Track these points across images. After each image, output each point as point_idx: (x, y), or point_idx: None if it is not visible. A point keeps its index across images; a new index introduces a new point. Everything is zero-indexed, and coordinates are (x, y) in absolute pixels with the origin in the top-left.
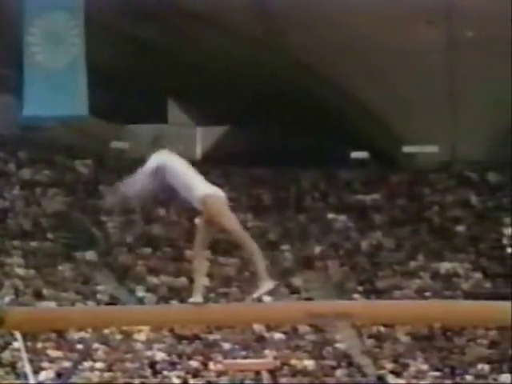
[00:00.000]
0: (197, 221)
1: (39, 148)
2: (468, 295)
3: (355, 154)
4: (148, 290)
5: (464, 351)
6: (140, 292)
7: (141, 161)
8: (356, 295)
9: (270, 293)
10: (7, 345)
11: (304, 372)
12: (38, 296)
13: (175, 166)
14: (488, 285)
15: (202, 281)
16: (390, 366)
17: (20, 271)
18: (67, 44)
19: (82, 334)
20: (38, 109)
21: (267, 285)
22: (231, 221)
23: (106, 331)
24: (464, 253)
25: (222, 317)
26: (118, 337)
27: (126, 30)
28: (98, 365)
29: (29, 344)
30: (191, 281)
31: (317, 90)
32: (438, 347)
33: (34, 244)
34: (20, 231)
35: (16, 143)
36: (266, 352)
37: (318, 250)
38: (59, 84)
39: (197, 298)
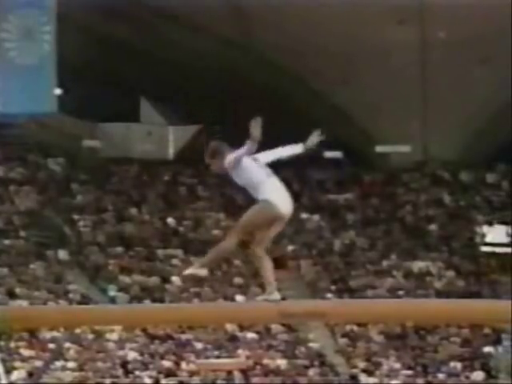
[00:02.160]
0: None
1: (12, 146)
2: (441, 294)
3: (328, 154)
4: (120, 289)
5: (436, 349)
6: (112, 291)
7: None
8: (329, 294)
9: (243, 292)
10: None
11: (276, 371)
12: (11, 295)
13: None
14: (461, 283)
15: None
16: (362, 364)
17: None
18: (39, 41)
19: (54, 334)
20: (10, 106)
21: (202, 271)
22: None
23: (78, 330)
24: (437, 252)
25: (195, 316)
26: (90, 336)
27: (99, 28)
28: (70, 364)
29: (1, 343)
30: (163, 280)
31: (289, 89)
32: (410, 346)
33: (7, 242)
34: None
35: None
36: (239, 352)
37: (290, 249)
38: (30, 81)
39: (274, 295)
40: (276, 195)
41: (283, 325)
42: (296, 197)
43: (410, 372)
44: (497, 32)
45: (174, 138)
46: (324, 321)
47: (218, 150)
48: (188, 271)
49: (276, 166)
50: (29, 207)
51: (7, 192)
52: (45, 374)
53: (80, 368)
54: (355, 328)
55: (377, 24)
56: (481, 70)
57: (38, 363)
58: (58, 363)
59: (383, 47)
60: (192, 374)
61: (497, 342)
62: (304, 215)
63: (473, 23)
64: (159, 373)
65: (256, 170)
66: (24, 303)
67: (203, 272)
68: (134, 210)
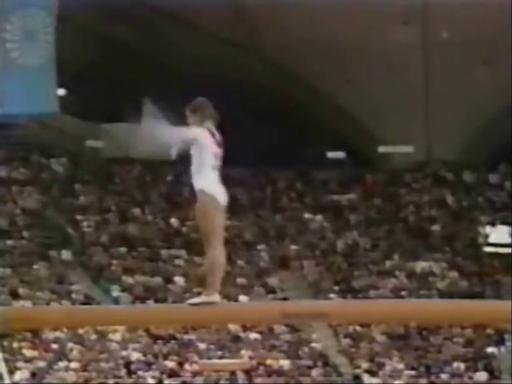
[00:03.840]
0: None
1: (14, 146)
2: (443, 294)
3: (331, 154)
4: (123, 289)
5: (440, 350)
6: (115, 292)
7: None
8: (332, 295)
9: (246, 292)
10: None
11: (280, 372)
12: (14, 295)
13: (206, 147)
14: (463, 283)
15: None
16: (365, 365)
17: None
18: (42, 41)
19: (58, 334)
20: (13, 106)
21: (211, 298)
22: (204, 225)
23: (81, 331)
24: (439, 252)
25: (198, 317)
26: (93, 337)
27: (102, 28)
28: (73, 365)
29: (4, 344)
30: (166, 280)
31: (293, 90)
32: (413, 346)
33: (9, 242)
34: None
35: None
36: (242, 352)
37: (293, 249)
38: (32, 81)
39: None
40: (210, 185)
41: (286, 325)
42: (299, 197)
43: (413, 372)
44: (500, 33)
45: None
46: (327, 321)
47: (202, 108)
48: (196, 300)
49: (279, 167)
50: (31, 208)
51: (10, 192)
52: (48, 374)
53: (83, 368)
54: (358, 328)
55: (380, 24)
56: (484, 70)
57: (41, 364)
58: (61, 363)
59: (386, 48)
60: (195, 374)
61: (500, 342)
62: (307, 215)
63: (476, 24)
64: (162, 373)
65: (209, 155)
66: (27, 304)
67: (216, 298)
68: (137, 211)
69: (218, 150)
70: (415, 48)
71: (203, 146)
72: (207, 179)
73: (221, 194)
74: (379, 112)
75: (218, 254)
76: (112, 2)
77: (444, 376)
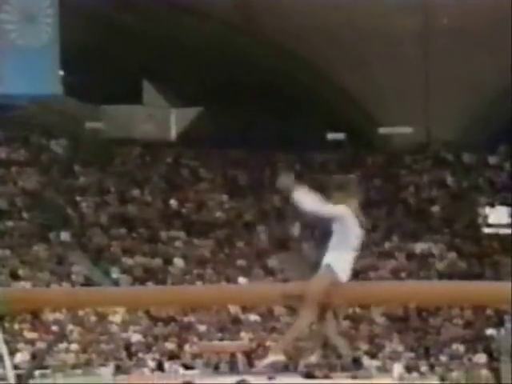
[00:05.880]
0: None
1: (15, 127)
2: (443, 275)
3: (331, 136)
4: (123, 271)
5: (439, 331)
6: (115, 273)
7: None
8: None
9: (246, 274)
10: None
11: None
12: (14, 276)
13: (351, 227)
14: (463, 265)
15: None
16: (365, 347)
17: None
18: (42, 23)
19: (58, 315)
20: (13, 87)
21: (275, 357)
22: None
23: (81, 312)
24: (439, 233)
25: (198, 298)
26: (93, 318)
27: (103, 11)
28: (73, 346)
29: (5, 325)
30: (166, 262)
31: (294, 72)
32: (413, 328)
33: (9, 224)
34: None
35: None
36: (242, 334)
37: (293, 231)
38: (34, 63)
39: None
40: (341, 265)
41: (286, 307)
42: (298, 178)
43: (412, 354)
44: (498, 18)
45: (176, 120)
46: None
47: (349, 186)
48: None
49: (278, 149)
50: (31, 189)
51: (10, 173)
52: (48, 355)
53: (83, 350)
54: (358, 310)
55: (381, 10)
56: (483, 52)
57: (42, 345)
58: (62, 345)
59: (388, 32)
60: (195, 356)
61: (499, 324)
62: None
63: (475, 11)
64: (162, 355)
65: (353, 236)
66: (27, 285)
67: (280, 357)
68: (136, 192)
69: (361, 232)
70: (416, 33)
71: (348, 226)
72: (341, 260)
73: (343, 275)
74: (379, 94)
75: (304, 323)
76: None
77: (443, 358)
